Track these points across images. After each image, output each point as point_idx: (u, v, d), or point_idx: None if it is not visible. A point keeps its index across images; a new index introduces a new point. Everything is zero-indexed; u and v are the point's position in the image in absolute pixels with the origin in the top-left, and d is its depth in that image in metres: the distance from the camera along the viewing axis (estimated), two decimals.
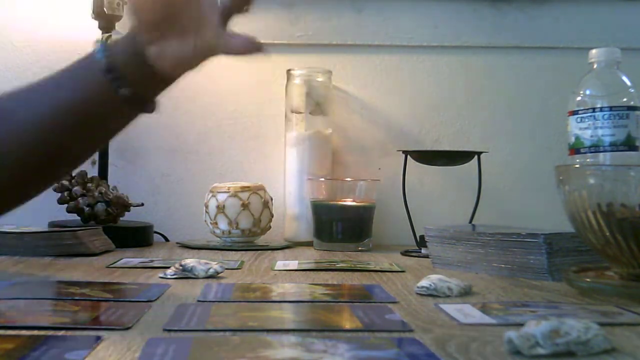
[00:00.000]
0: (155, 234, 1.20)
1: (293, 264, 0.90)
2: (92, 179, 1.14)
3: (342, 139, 1.32)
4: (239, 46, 0.66)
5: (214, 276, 0.76)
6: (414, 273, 0.84)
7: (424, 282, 0.67)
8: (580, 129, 0.90)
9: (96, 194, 1.11)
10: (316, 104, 1.25)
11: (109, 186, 1.15)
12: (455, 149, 1.29)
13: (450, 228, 0.91)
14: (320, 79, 1.26)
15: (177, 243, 1.18)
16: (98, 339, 0.45)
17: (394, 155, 1.24)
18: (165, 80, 0.69)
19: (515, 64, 1.35)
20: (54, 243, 0.96)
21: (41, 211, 1.08)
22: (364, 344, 0.45)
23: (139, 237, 1.14)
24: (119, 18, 1.24)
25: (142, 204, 1.18)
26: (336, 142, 1.30)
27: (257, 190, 1.14)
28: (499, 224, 1.02)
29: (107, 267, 0.86)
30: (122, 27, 1.27)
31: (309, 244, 1.18)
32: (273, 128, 1.30)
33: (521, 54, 1.34)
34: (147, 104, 0.70)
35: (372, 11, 1.33)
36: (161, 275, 0.76)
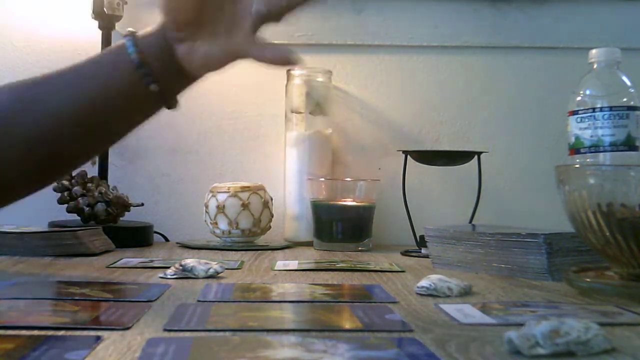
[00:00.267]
0: (155, 234, 1.20)
1: (293, 264, 0.90)
2: (92, 179, 1.14)
3: (342, 139, 1.32)
4: (271, 56, 0.67)
5: (214, 276, 0.76)
6: (414, 273, 0.84)
7: (424, 282, 0.67)
8: (580, 129, 0.90)
9: (96, 194, 1.11)
10: (316, 104, 1.25)
11: (109, 186, 1.15)
12: (455, 149, 1.29)
13: (450, 228, 0.91)
14: (320, 79, 1.26)
15: (177, 243, 1.18)
16: (98, 339, 0.45)
17: (394, 155, 1.24)
18: (190, 78, 0.70)
19: (515, 64, 1.35)
20: (54, 243, 0.96)
21: (41, 211, 1.08)
22: (364, 344, 0.45)
23: (139, 237, 1.14)
24: (119, 18, 1.24)
25: (142, 204, 1.18)
26: (336, 142, 1.30)
27: (257, 190, 1.14)
28: (499, 224, 1.02)
29: (107, 267, 0.86)
30: (122, 27, 1.27)
31: (309, 244, 1.18)
32: (273, 128, 1.30)
33: (521, 54, 1.34)
34: (170, 100, 0.70)
35: (372, 11, 1.33)
36: (161, 275, 0.76)
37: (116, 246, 1.05)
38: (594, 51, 0.92)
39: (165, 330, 0.49)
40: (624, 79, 0.90)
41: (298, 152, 1.24)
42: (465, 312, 0.57)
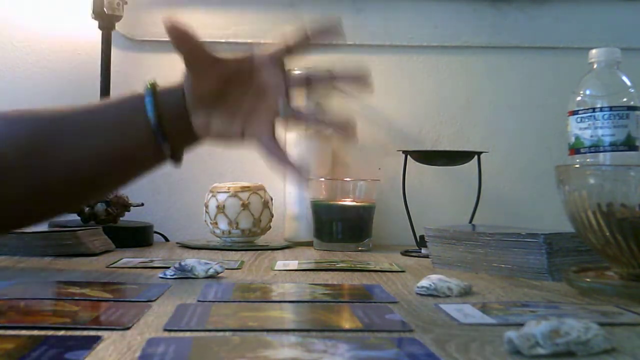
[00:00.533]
0: (155, 234, 1.20)
1: (293, 264, 0.90)
2: None
3: (342, 139, 1.31)
4: (281, 160, 0.70)
5: (214, 276, 0.76)
6: (414, 273, 0.84)
7: (424, 282, 0.67)
8: (580, 129, 0.90)
9: None
10: (316, 104, 1.25)
11: None
12: (455, 149, 1.29)
13: (450, 228, 0.91)
14: None
15: (177, 243, 1.18)
16: (98, 339, 0.45)
17: (394, 155, 1.24)
18: (201, 142, 0.75)
19: (515, 64, 1.35)
20: (54, 243, 0.96)
21: None
22: (364, 344, 0.45)
23: (139, 237, 1.14)
24: (119, 18, 1.24)
25: (142, 204, 1.18)
26: (336, 142, 1.30)
27: (257, 190, 1.14)
28: (499, 224, 1.02)
29: (107, 267, 0.86)
30: (122, 27, 1.27)
31: (309, 244, 1.18)
32: None
33: (521, 54, 1.34)
34: (178, 159, 0.74)
35: (372, 11, 1.33)
36: (161, 275, 0.76)
37: (116, 246, 1.05)
38: (594, 51, 0.92)
39: (165, 330, 0.49)
40: (624, 79, 0.90)
41: (298, 152, 1.24)
42: (465, 312, 0.57)
